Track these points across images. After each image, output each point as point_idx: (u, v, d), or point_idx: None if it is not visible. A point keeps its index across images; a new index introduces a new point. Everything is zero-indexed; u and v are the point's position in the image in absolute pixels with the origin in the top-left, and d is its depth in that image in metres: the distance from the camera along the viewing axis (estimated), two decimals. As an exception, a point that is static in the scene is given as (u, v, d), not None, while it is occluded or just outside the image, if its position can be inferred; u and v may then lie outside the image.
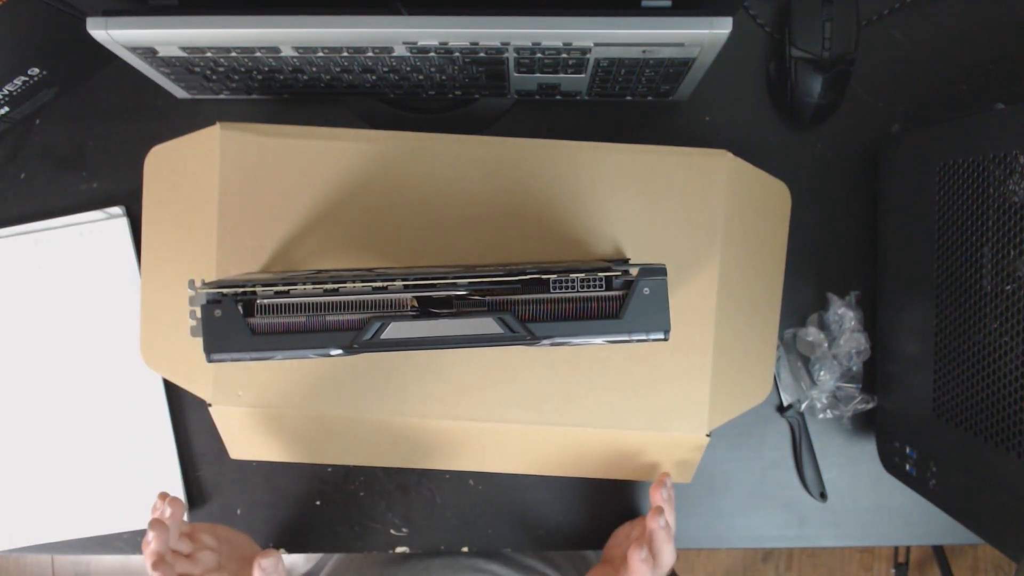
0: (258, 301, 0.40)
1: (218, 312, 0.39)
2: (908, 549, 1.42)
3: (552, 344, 0.39)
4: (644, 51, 0.50)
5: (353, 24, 0.47)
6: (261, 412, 0.53)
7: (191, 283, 0.42)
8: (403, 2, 0.47)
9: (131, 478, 0.61)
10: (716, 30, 0.47)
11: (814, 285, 0.62)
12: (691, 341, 0.52)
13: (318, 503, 0.63)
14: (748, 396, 0.57)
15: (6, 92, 0.56)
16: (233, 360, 0.39)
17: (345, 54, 0.50)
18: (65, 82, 0.60)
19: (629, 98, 0.59)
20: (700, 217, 0.52)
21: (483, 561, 0.66)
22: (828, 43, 0.57)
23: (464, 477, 0.63)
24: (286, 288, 0.40)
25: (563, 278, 0.40)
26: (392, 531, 0.63)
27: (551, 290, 0.40)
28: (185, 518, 0.56)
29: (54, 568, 1.48)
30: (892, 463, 0.59)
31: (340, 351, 0.39)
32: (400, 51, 0.50)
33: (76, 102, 0.62)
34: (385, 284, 0.39)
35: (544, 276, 0.40)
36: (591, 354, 0.52)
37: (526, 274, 0.40)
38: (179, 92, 0.59)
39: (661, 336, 0.39)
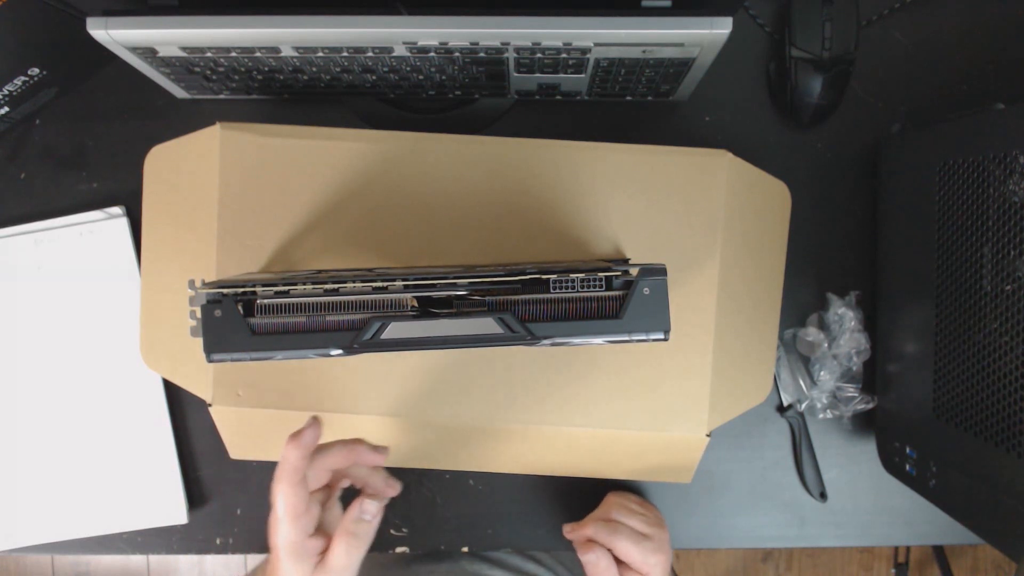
0: (258, 301, 0.40)
1: (218, 312, 0.39)
2: (908, 549, 1.42)
3: (552, 344, 0.39)
4: (644, 51, 0.50)
5: (353, 24, 0.47)
6: (261, 412, 0.53)
7: (191, 283, 0.42)
8: (403, 2, 0.47)
9: (131, 478, 0.61)
10: (716, 30, 0.47)
11: (814, 285, 0.62)
12: (691, 341, 0.52)
13: (318, 503, 0.63)
14: (748, 396, 0.57)
15: (6, 92, 0.56)
16: (233, 360, 0.39)
17: (345, 54, 0.50)
18: (65, 82, 0.60)
19: (629, 98, 0.59)
20: (700, 217, 0.52)
21: (466, 561, 0.66)
22: (828, 43, 0.57)
23: (464, 477, 0.63)
24: (286, 288, 0.40)
25: (563, 278, 0.40)
26: (392, 531, 0.63)
27: (551, 290, 0.40)
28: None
29: (54, 568, 1.48)
30: (892, 463, 0.59)
31: (340, 351, 0.39)
32: (400, 51, 0.50)
33: (76, 102, 0.62)
34: (385, 284, 0.39)
35: (544, 276, 0.40)
36: (591, 354, 0.52)
37: (526, 274, 0.40)
38: (179, 92, 0.59)
39: (661, 336, 0.39)
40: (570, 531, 0.55)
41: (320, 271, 0.49)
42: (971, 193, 0.48)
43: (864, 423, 0.63)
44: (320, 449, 0.46)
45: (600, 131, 0.61)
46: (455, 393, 0.52)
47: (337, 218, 0.51)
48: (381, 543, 0.63)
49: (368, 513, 0.45)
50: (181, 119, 0.61)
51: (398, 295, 0.40)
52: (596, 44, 0.48)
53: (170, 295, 0.54)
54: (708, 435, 0.53)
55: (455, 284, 0.40)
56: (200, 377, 0.53)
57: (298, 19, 0.47)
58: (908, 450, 0.56)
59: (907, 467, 0.56)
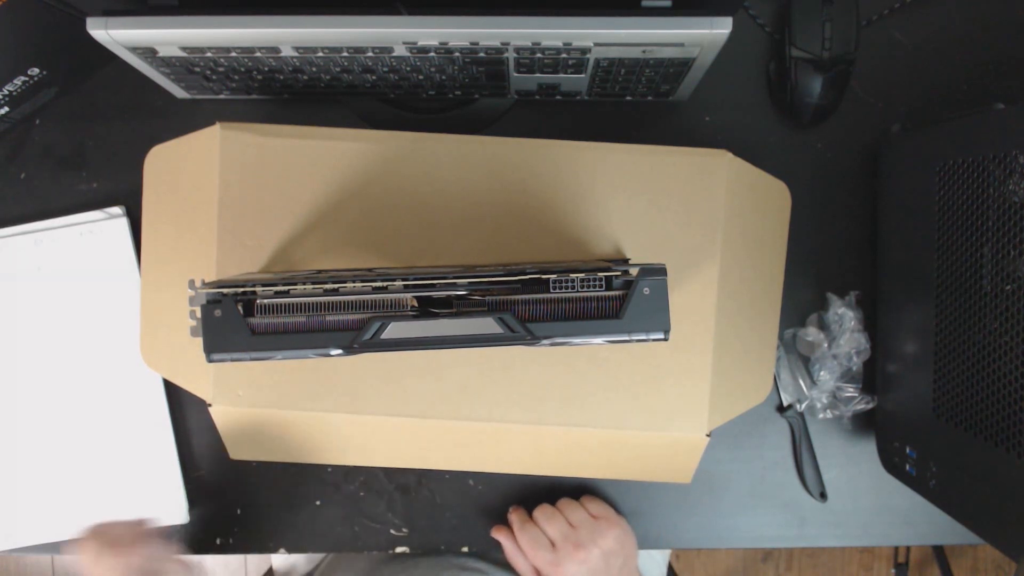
0: (258, 301, 0.40)
1: (218, 312, 0.39)
2: (908, 549, 1.42)
3: (552, 344, 0.39)
4: (644, 51, 0.50)
5: (353, 24, 0.47)
6: (261, 412, 0.53)
7: (191, 283, 0.42)
8: (403, 2, 0.47)
9: (131, 478, 0.61)
10: (716, 30, 0.47)
11: (814, 285, 0.62)
12: (691, 341, 0.52)
13: (318, 503, 0.63)
14: (748, 396, 0.57)
15: (6, 92, 0.56)
16: (233, 360, 0.39)
17: (345, 54, 0.50)
18: (65, 82, 0.60)
19: (629, 98, 0.59)
20: (700, 217, 0.52)
21: (471, 560, 0.66)
22: (828, 43, 0.57)
23: (464, 477, 0.63)
24: (286, 288, 0.40)
25: (563, 278, 0.40)
26: (392, 531, 0.63)
27: (551, 290, 0.40)
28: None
29: (54, 568, 1.48)
30: (892, 463, 0.59)
31: (340, 351, 0.39)
32: (400, 51, 0.50)
33: (76, 102, 0.62)
34: (385, 284, 0.39)
35: (544, 276, 0.40)
36: (591, 354, 0.52)
37: (526, 274, 0.40)
38: (179, 92, 0.59)
39: (661, 336, 0.39)
40: (509, 512, 0.61)
41: (320, 271, 0.49)
42: (971, 193, 0.48)
43: (864, 423, 0.63)
44: None
45: (600, 131, 0.61)
46: (455, 393, 0.52)
47: (337, 218, 0.51)
48: (381, 543, 0.63)
49: None
50: (181, 119, 0.61)
51: (398, 295, 0.40)
52: (596, 44, 0.48)
53: (170, 295, 0.54)
54: (708, 435, 0.53)
55: (455, 284, 0.40)
56: (200, 377, 0.53)
57: (298, 19, 0.47)
58: (908, 450, 0.56)
59: (907, 467, 0.56)
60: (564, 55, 0.50)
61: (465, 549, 0.64)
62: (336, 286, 0.40)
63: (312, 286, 0.39)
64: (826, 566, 1.46)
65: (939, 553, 1.34)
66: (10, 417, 0.62)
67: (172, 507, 0.62)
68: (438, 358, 0.52)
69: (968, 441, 0.48)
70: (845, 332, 0.60)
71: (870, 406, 0.61)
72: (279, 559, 0.82)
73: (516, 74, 0.54)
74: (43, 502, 0.62)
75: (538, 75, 0.54)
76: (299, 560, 0.81)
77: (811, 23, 0.57)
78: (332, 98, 0.60)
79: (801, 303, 0.63)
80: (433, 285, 0.39)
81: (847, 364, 0.60)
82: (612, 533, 0.57)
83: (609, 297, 0.40)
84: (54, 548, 0.63)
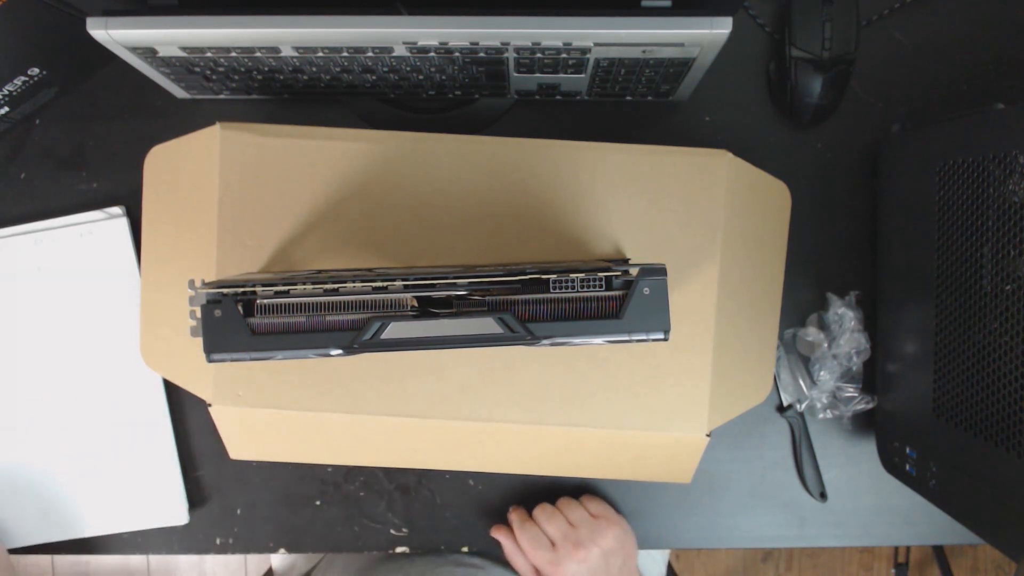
0: (258, 301, 0.40)
1: (218, 312, 0.39)
2: (908, 549, 1.42)
3: (552, 344, 0.39)
4: (644, 51, 0.50)
5: (353, 24, 0.47)
6: (261, 412, 0.53)
7: (191, 283, 0.42)
8: (403, 2, 0.47)
9: (131, 478, 0.61)
10: (716, 30, 0.47)
11: (814, 285, 0.62)
12: (691, 341, 0.52)
13: (318, 503, 0.63)
14: (748, 396, 0.57)
15: (6, 92, 0.56)
16: (233, 360, 0.39)
17: (345, 54, 0.50)
18: (65, 82, 0.60)
19: (629, 98, 0.59)
20: (700, 217, 0.52)
21: (468, 556, 0.66)
22: (828, 43, 0.57)
23: (464, 477, 0.63)
24: (286, 288, 0.40)
25: (563, 278, 0.40)
26: (392, 531, 0.63)
27: (551, 290, 0.40)
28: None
29: (54, 568, 1.48)
30: (892, 463, 0.59)
31: (340, 351, 0.39)
32: (400, 51, 0.50)
33: (76, 102, 0.62)
34: (385, 284, 0.39)
35: (544, 276, 0.40)
36: (591, 354, 0.52)
37: (526, 274, 0.40)
38: (179, 92, 0.59)
39: (661, 336, 0.39)
40: (509, 512, 0.61)
41: (320, 271, 0.49)
42: (971, 193, 0.48)
43: (864, 423, 0.63)
44: None
45: (600, 131, 0.61)
46: (455, 393, 0.52)
47: (337, 218, 0.51)
48: (381, 543, 0.64)
49: None
50: (181, 119, 0.61)
51: (398, 295, 0.40)
52: (596, 44, 0.48)
53: (170, 295, 0.54)
54: (708, 435, 0.53)
55: (455, 284, 0.40)
56: (200, 377, 0.53)
57: (298, 19, 0.47)
58: (908, 450, 0.56)
59: (907, 467, 0.56)
60: (564, 55, 0.50)
61: (465, 549, 0.64)
62: (336, 286, 0.40)
63: (312, 286, 0.39)
64: (826, 566, 1.46)
65: (939, 553, 1.34)
66: (10, 417, 0.62)
67: (172, 507, 0.62)
68: (438, 358, 0.52)
69: (968, 441, 0.48)
70: (845, 332, 0.60)
71: (870, 406, 0.61)
72: (279, 559, 0.82)
73: (516, 74, 0.54)
74: (43, 502, 0.62)
75: (538, 75, 0.54)
76: (298, 559, 0.81)
77: (811, 23, 0.57)
78: (332, 98, 0.60)
79: (801, 303, 0.63)
80: (433, 285, 0.39)
81: (847, 364, 0.60)
82: (612, 532, 0.57)
83: (609, 297, 0.40)
84: (54, 548, 0.63)
